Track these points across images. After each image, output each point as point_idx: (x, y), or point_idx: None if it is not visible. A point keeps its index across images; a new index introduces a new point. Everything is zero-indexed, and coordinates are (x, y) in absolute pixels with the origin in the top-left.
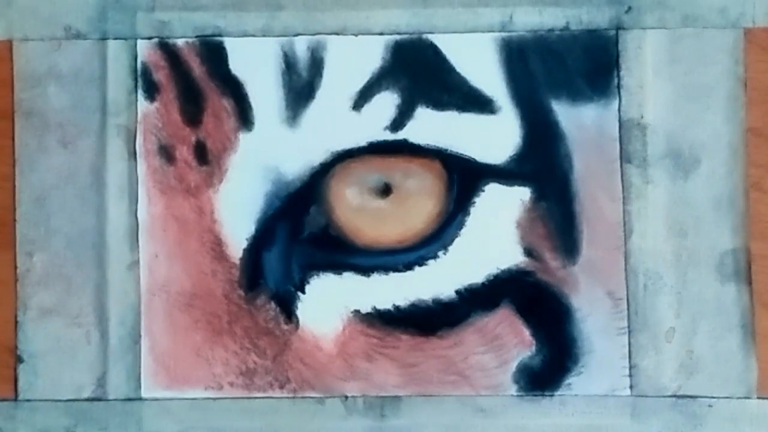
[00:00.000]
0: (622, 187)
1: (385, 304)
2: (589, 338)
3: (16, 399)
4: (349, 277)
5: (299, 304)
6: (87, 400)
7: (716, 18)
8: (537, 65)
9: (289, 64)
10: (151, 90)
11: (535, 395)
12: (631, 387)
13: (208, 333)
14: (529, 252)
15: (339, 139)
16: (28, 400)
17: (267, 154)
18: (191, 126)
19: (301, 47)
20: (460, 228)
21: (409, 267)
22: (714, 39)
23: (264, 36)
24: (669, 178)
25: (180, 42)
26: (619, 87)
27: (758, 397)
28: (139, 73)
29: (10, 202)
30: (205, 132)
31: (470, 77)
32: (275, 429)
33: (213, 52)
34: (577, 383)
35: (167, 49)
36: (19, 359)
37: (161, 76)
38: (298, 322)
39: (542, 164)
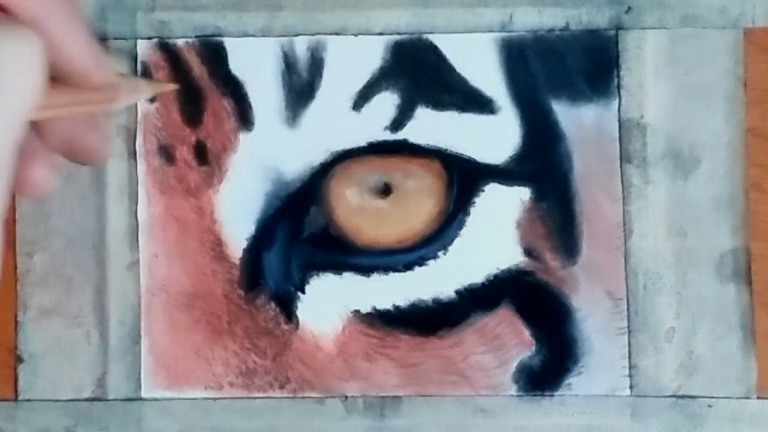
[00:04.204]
0: (622, 187)
1: (385, 304)
2: (589, 338)
3: (16, 399)
4: (349, 277)
5: (299, 304)
6: (87, 400)
7: (716, 18)
8: (537, 65)
9: (289, 64)
10: None
11: (535, 395)
12: (631, 387)
13: (208, 333)
14: (529, 252)
15: (339, 139)
16: (28, 400)
17: (267, 154)
18: (191, 126)
19: (301, 47)
20: (460, 228)
21: (409, 267)
22: (714, 39)
23: (264, 36)
24: (669, 178)
25: (180, 42)
26: (619, 87)
27: (758, 397)
28: (139, 73)
29: (10, 203)
30: (205, 132)
31: (470, 77)
32: (275, 429)
33: (213, 52)
34: (577, 383)
35: (167, 49)
36: (19, 359)
37: (161, 76)
38: (298, 322)
39: (542, 164)
